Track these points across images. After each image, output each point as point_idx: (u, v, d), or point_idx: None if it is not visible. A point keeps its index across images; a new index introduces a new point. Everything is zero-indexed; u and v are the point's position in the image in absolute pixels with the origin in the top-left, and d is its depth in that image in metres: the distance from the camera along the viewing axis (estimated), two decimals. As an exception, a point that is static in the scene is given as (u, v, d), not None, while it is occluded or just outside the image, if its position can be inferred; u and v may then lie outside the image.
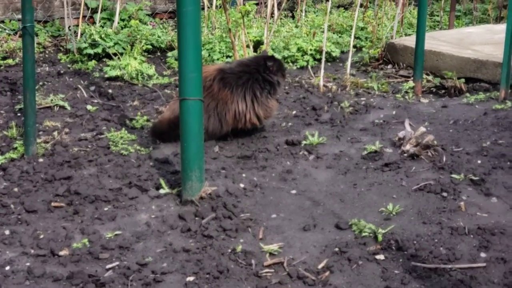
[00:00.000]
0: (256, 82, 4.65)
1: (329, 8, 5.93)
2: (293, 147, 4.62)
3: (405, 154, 4.39)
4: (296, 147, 4.62)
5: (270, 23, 7.00)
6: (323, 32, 7.10)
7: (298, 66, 6.45)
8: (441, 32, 6.91)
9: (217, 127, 4.65)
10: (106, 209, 3.80)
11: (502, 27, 6.72)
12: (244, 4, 6.02)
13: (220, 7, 6.98)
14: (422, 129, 4.47)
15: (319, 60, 6.65)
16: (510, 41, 5.18)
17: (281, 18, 7.54)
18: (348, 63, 6.05)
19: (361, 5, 7.95)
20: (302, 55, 6.56)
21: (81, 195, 3.90)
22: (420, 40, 5.68)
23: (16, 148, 4.51)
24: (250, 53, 6.12)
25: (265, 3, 7.94)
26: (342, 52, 6.92)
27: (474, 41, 6.32)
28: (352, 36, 6.07)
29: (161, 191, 3.97)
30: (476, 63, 5.78)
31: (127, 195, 3.92)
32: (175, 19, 7.87)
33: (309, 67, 6.31)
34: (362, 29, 7.28)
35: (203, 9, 7.19)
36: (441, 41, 6.33)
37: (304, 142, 4.66)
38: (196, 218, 3.69)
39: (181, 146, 3.84)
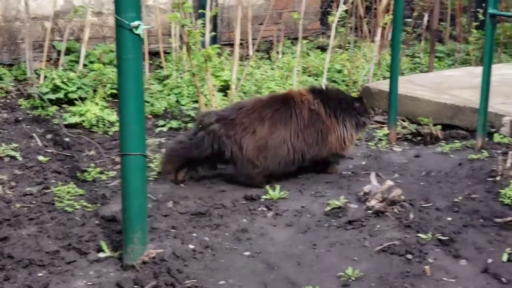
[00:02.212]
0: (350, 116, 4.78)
1: (299, 51, 5.68)
2: (252, 202, 4.32)
3: (370, 211, 4.10)
4: (255, 202, 4.32)
5: (242, 65, 6.75)
6: (301, 74, 6.84)
7: (270, 111, 6.16)
8: (420, 75, 6.65)
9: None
10: (40, 274, 3.49)
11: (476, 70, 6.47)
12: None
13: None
14: (389, 182, 4.18)
15: (294, 105, 6.37)
16: (487, 86, 4.91)
17: (256, 60, 7.28)
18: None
19: (340, 47, 7.70)
20: (275, 100, 6.27)
21: (14, 258, 3.59)
22: (393, 84, 5.42)
23: (-46, 204, 4.22)
24: (218, 99, 5.85)
25: (240, 44, 7.69)
26: (318, 95, 6.64)
27: (452, 85, 6.05)
28: (324, 79, 5.81)
29: (102, 254, 3.67)
30: (453, 109, 5.51)
31: (64, 259, 3.61)
32: (150, 61, 7.63)
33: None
34: (339, 71, 7.02)
35: (169, 52, 6.95)
36: (418, 85, 6.06)
37: (264, 196, 4.36)
38: (135, 287, 3.38)
39: (122, 205, 3.55)
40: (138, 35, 3.32)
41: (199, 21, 5.56)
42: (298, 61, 5.56)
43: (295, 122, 4.57)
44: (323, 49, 8.16)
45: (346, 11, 7.65)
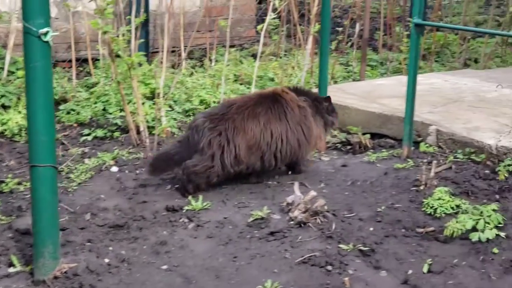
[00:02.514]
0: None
1: (226, 59, 5.60)
2: (173, 213, 4.21)
3: (293, 222, 4.03)
4: (176, 213, 4.21)
5: (175, 73, 6.65)
6: (232, 82, 6.77)
7: (200, 120, 6.07)
8: (351, 83, 6.64)
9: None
10: None
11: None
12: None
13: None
14: (313, 193, 4.12)
15: (224, 113, 6.29)
16: (412, 96, 4.90)
17: (188, 68, 7.18)
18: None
19: (274, 54, 7.65)
20: (206, 108, 6.19)
21: None
22: (322, 93, 5.38)
23: None
24: (147, 107, 5.74)
25: (173, 51, 7.59)
26: (251, 104, 6.56)
27: (382, 94, 6.04)
28: (253, 88, 5.74)
29: (13, 269, 3.53)
30: (382, 117, 5.49)
31: (-28, 275, 3.46)
32: (78, 67, 7.46)
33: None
34: (271, 79, 6.96)
35: (98, 60, 6.79)
36: (349, 94, 6.04)
37: (186, 207, 4.26)
38: (44, 303, 3.25)
39: (32, 219, 3.41)
40: (47, 42, 3.20)
41: (127, 28, 5.44)
42: (226, 69, 5.47)
43: (290, 118, 4.61)
44: (256, 56, 8.09)
45: (279, 18, 7.64)
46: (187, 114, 6.13)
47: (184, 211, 4.23)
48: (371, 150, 5.31)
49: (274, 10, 5.55)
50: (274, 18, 7.48)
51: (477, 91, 5.96)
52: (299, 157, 4.75)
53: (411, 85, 4.86)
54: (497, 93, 5.90)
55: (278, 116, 4.58)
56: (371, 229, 3.98)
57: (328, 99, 4.96)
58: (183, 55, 6.84)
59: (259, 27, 5.57)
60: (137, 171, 4.90)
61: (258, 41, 8.78)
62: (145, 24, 7.41)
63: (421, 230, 3.98)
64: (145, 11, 7.24)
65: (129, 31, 5.37)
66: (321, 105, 4.86)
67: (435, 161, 4.66)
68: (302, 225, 3.99)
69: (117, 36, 4.98)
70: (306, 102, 4.75)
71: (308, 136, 4.69)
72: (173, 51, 7.64)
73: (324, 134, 4.92)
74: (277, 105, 4.61)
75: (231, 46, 8.63)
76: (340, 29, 7.64)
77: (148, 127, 5.54)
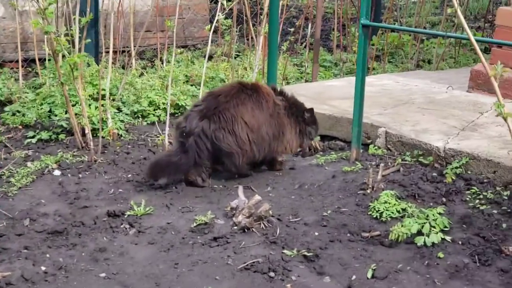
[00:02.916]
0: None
1: (173, 60, 5.49)
2: (114, 219, 4.11)
3: (236, 227, 3.95)
4: (118, 219, 4.11)
5: (122, 74, 6.53)
6: (183, 83, 6.67)
7: (149, 122, 5.97)
8: (302, 85, 6.58)
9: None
10: None
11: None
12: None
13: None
14: (257, 197, 4.05)
15: (174, 115, 6.20)
16: (360, 98, 4.85)
17: (140, 68, 7.06)
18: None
19: (226, 55, 7.57)
20: (155, 110, 6.09)
21: None
22: (271, 95, 5.30)
23: None
24: (93, 108, 5.61)
25: (128, 52, 7.47)
26: (202, 105, 6.46)
27: (333, 95, 5.99)
28: (201, 89, 5.66)
29: None
30: (331, 119, 5.44)
31: None
32: (27, 68, 7.30)
33: (157, 123, 5.84)
34: (223, 80, 6.87)
35: (45, 59, 6.64)
36: (300, 95, 5.91)
37: (128, 213, 4.15)
38: (-27, 314, 3.13)
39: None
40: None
41: (73, 28, 5.32)
42: (176, 70, 5.37)
43: (265, 110, 4.66)
44: (210, 57, 8.01)
45: (231, 18, 7.56)
46: (135, 115, 6.02)
47: (126, 216, 4.13)
48: (321, 153, 5.26)
49: (223, 10, 5.44)
50: (226, 18, 7.45)
51: (427, 92, 5.94)
52: (273, 152, 4.78)
53: (359, 87, 4.81)
54: (447, 94, 5.89)
55: (257, 105, 4.65)
56: (316, 234, 3.92)
57: (310, 110, 4.98)
58: (133, 55, 6.73)
59: (207, 27, 5.47)
60: (80, 175, 4.78)
61: (213, 41, 8.75)
62: (95, 23, 7.28)
63: (366, 234, 3.93)
64: (94, 11, 7.13)
65: (80, 31, 5.25)
66: (299, 112, 4.91)
67: (382, 164, 4.61)
68: (246, 230, 3.92)
69: (59, 36, 4.85)
70: (282, 102, 4.81)
71: (280, 133, 4.75)
72: (123, 52, 7.52)
73: (296, 140, 4.92)
74: (256, 95, 4.67)
75: (184, 47, 8.55)
76: (292, 29, 7.57)
77: (95, 129, 5.43)
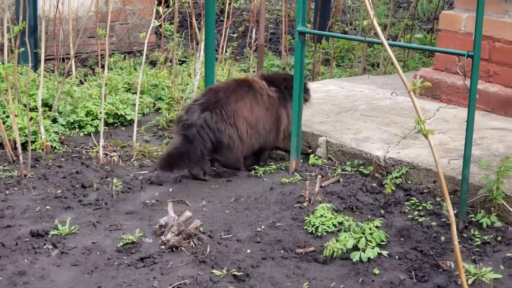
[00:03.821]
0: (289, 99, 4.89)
1: (106, 69, 5.31)
2: (37, 239, 3.90)
3: (165, 246, 3.78)
4: (41, 239, 3.90)
5: (66, 83, 6.31)
6: (123, 91, 6.47)
7: (86, 133, 5.76)
8: (245, 92, 6.40)
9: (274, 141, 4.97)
10: None
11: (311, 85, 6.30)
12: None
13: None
14: (188, 213, 3.88)
15: (113, 124, 6.00)
16: (299, 106, 4.71)
17: (79, 76, 6.85)
18: (134, 130, 5.43)
19: (171, 61, 7.38)
20: (92, 120, 5.88)
21: None
22: (209, 104, 5.14)
23: None
24: (26, 120, 5.39)
25: (63, 59, 7.25)
26: (143, 114, 6.29)
27: (275, 102, 5.83)
28: (137, 97, 5.49)
29: None
30: (272, 128, 5.28)
31: None
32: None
33: (93, 135, 5.63)
34: (167, 87, 6.68)
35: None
36: (242, 103, 5.81)
37: (52, 232, 3.95)
38: None
39: None
40: None
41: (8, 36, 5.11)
42: (105, 78, 5.18)
43: (261, 105, 4.82)
44: (154, 64, 7.83)
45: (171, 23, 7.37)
46: (72, 126, 5.80)
47: (49, 236, 3.93)
48: (261, 163, 5.10)
49: (158, 17, 5.27)
50: (172, 23, 7.27)
51: (371, 98, 5.82)
52: (267, 144, 4.94)
53: (297, 95, 4.67)
54: (390, 100, 5.77)
55: (255, 100, 4.81)
56: (249, 251, 3.77)
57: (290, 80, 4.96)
58: (71, 62, 6.52)
59: (142, 34, 5.29)
60: (7, 191, 4.57)
61: (159, 46, 8.57)
62: (33, 31, 7.06)
63: (301, 250, 3.79)
64: (33, 17, 6.91)
65: (10, 39, 5.03)
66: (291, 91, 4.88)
67: (319, 176, 4.47)
68: (175, 249, 3.74)
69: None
70: (275, 93, 4.92)
71: (276, 124, 4.90)
72: (64, 59, 7.30)
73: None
74: (252, 91, 4.83)
75: (129, 52, 8.34)
76: (235, 35, 7.42)
77: (27, 142, 5.21)
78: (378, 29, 2.68)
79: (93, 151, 5.23)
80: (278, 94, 4.93)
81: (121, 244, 3.82)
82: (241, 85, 4.84)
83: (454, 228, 2.69)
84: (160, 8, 5.27)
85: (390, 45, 3.61)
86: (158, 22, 5.37)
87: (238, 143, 4.70)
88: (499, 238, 3.84)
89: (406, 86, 2.61)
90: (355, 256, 3.68)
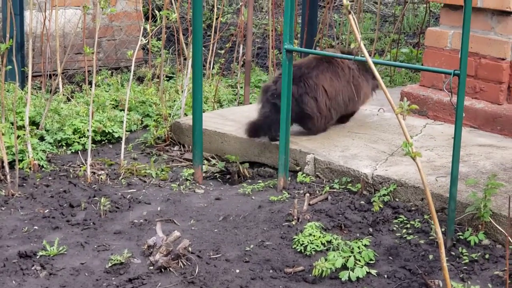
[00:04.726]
0: None
1: (94, 86, 5.30)
2: (25, 260, 3.88)
3: (153, 267, 3.77)
4: (29, 260, 3.88)
5: (53, 100, 6.29)
6: (110, 108, 6.46)
7: (73, 150, 5.74)
8: (232, 109, 6.42)
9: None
10: None
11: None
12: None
13: None
14: (176, 233, 3.87)
15: (100, 142, 5.99)
16: (286, 123, 4.72)
17: (67, 93, 6.83)
18: (122, 147, 5.42)
19: (158, 77, 7.38)
20: (80, 137, 5.86)
21: None
22: (196, 121, 5.16)
23: None
24: (13, 139, 5.37)
25: (50, 75, 7.23)
26: (131, 131, 6.27)
27: (263, 119, 5.84)
28: (125, 114, 5.48)
29: None
30: (260, 146, 5.29)
31: None
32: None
33: (80, 153, 5.61)
34: (154, 103, 6.67)
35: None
36: (229, 120, 5.83)
37: (40, 253, 3.94)
38: None
39: None
40: None
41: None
42: (92, 95, 5.17)
43: (342, 78, 5.36)
44: (141, 80, 7.82)
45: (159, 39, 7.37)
46: (59, 144, 5.78)
47: (37, 257, 3.91)
48: (248, 181, 5.11)
49: (145, 35, 5.27)
50: (159, 40, 7.27)
51: (358, 115, 5.83)
52: (348, 111, 5.56)
53: (284, 113, 4.68)
54: (378, 117, 5.79)
55: (335, 74, 5.33)
56: (237, 271, 3.77)
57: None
58: (58, 80, 6.50)
59: (129, 52, 5.29)
60: (-5, 211, 4.55)
61: (146, 62, 8.57)
62: (20, 48, 7.05)
63: (289, 270, 3.79)
64: (19, 34, 6.89)
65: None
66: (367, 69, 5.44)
67: (307, 194, 4.48)
68: (163, 270, 3.73)
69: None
70: (354, 65, 5.41)
71: (357, 93, 5.42)
72: (52, 76, 7.28)
73: (370, 89, 5.61)
74: (332, 66, 5.35)
75: (117, 68, 8.33)
76: (222, 51, 7.42)
77: (15, 161, 5.19)
78: (365, 52, 2.69)
79: (80, 170, 5.21)
80: (358, 65, 5.42)
81: (110, 264, 3.81)
82: (322, 61, 5.36)
83: (442, 249, 2.70)
84: (148, 26, 5.27)
85: (377, 63, 3.64)
86: (146, 40, 5.35)
87: (317, 114, 5.22)
88: (487, 256, 3.86)
89: (393, 108, 2.62)
90: (344, 275, 3.69)
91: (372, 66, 2.77)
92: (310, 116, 5.24)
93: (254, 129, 5.26)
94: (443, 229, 3.91)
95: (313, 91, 5.21)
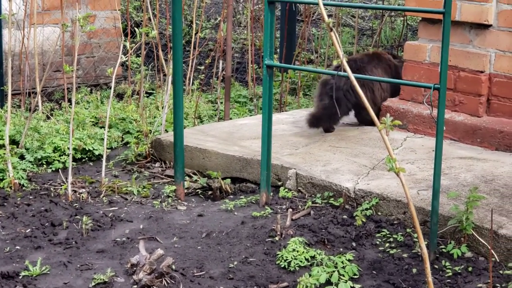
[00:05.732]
0: None
1: (74, 103, 5.28)
2: (8, 281, 3.84)
3: (137, 286, 3.75)
4: (11, 281, 3.85)
5: (33, 118, 6.26)
6: (90, 126, 6.44)
7: (54, 169, 5.70)
8: (212, 124, 6.42)
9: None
10: None
11: (277, 117, 6.35)
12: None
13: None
14: (160, 251, 3.85)
15: (81, 160, 5.96)
16: (267, 140, 4.73)
17: (46, 111, 6.80)
18: (103, 165, 5.40)
19: (138, 93, 7.37)
20: (60, 156, 5.83)
21: None
22: (177, 137, 5.14)
23: None
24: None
25: (29, 93, 7.20)
26: (112, 148, 6.25)
27: (244, 135, 5.85)
28: (106, 132, 5.46)
29: None
30: (242, 161, 5.29)
31: None
32: None
33: (61, 171, 5.58)
34: (134, 120, 6.66)
35: None
36: (210, 136, 5.83)
37: (23, 273, 3.90)
38: None
39: None
40: None
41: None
42: (72, 113, 5.15)
43: (389, 72, 5.96)
44: (121, 97, 7.80)
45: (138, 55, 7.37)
46: (39, 162, 5.75)
47: (20, 277, 3.87)
48: (231, 197, 5.10)
49: (125, 53, 5.27)
50: (138, 56, 7.27)
51: (339, 129, 5.86)
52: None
53: (265, 128, 4.70)
54: (358, 131, 5.82)
55: (386, 69, 5.96)
56: (221, 288, 3.76)
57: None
58: (38, 98, 6.47)
59: (109, 70, 5.28)
60: (-25, 232, 4.50)
61: (126, 78, 8.55)
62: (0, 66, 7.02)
63: (274, 286, 3.79)
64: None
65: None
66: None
67: (290, 209, 4.49)
68: (147, 288, 3.72)
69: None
70: (399, 63, 6.01)
71: (398, 86, 5.94)
72: (30, 94, 7.25)
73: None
74: (381, 62, 5.98)
75: (96, 85, 8.31)
76: (202, 67, 7.43)
77: (-5, 180, 5.16)
78: (348, 69, 2.71)
79: (61, 188, 5.18)
80: (398, 63, 6.01)
81: (93, 284, 3.79)
82: (373, 57, 5.96)
83: (427, 264, 2.71)
84: (127, 43, 5.26)
85: (359, 78, 3.66)
86: (126, 58, 5.35)
87: (372, 105, 5.39)
88: (470, 269, 3.88)
89: (376, 125, 2.63)
90: (329, 290, 3.69)
91: (354, 82, 2.79)
92: (365, 107, 5.56)
93: (315, 120, 5.66)
94: (425, 243, 3.92)
95: (371, 83, 5.70)
